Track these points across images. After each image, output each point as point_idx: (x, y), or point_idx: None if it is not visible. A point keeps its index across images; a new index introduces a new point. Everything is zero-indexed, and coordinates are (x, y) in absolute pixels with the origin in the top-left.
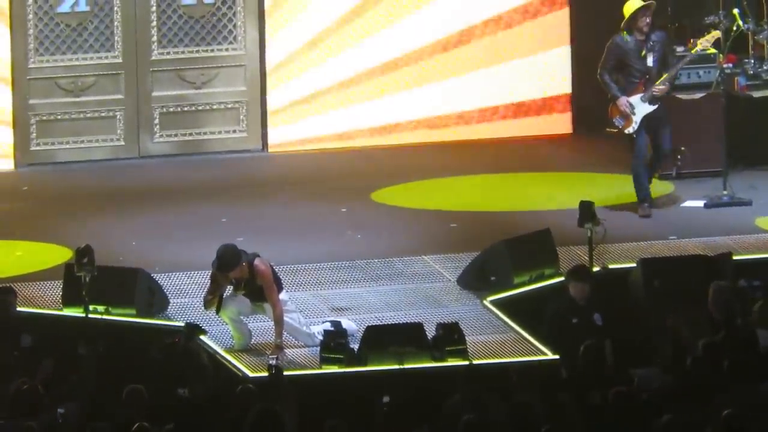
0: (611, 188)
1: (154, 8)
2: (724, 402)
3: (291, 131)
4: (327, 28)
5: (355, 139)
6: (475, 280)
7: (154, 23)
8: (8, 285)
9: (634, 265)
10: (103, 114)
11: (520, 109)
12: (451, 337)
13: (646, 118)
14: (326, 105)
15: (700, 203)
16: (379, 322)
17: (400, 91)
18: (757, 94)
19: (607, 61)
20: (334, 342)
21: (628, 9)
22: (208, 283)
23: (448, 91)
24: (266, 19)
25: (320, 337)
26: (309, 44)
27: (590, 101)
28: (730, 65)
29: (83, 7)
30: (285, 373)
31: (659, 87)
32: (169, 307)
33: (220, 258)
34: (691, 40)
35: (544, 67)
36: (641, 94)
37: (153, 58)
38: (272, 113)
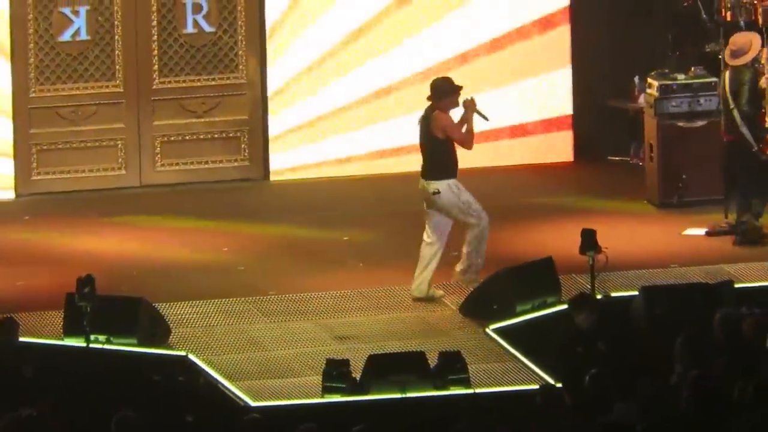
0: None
1: (155, 37)
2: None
3: (293, 160)
4: (328, 54)
5: (357, 166)
6: (478, 309)
7: (155, 52)
8: (10, 316)
9: (636, 293)
10: (104, 143)
11: (519, 132)
12: (453, 365)
13: None
14: (328, 133)
15: (702, 231)
16: (381, 351)
17: (400, 116)
18: None
19: None
20: (336, 371)
21: None
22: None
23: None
24: (267, 47)
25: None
26: (310, 72)
27: (591, 128)
28: None
29: (84, 36)
30: (286, 402)
31: None
32: (171, 336)
33: (451, 84)
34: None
35: (545, 93)
36: None
37: (154, 86)
38: (274, 142)
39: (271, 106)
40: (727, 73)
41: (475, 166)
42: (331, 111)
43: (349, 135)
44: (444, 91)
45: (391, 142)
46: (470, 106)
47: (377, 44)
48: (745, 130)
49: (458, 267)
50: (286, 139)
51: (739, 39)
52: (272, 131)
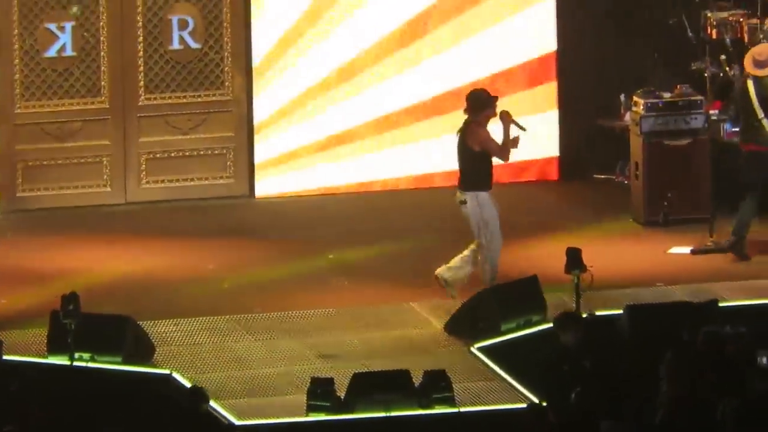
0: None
1: (141, 53)
2: None
3: (278, 177)
4: (315, 74)
5: (343, 184)
6: (463, 327)
7: (141, 68)
8: None
9: (621, 311)
10: (89, 160)
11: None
12: (438, 384)
13: None
14: (313, 150)
15: (687, 249)
16: (366, 370)
17: (387, 139)
18: None
19: None
20: (321, 389)
21: None
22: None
23: (435, 150)
24: (253, 64)
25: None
26: (296, 89)
27: (576, 146)
28: (716, 112)
29: (70, 52)
30: (271, 421)
31: None
32: (155, 354)
33: (487, 96)
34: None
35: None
36: None
37: (140, 103)
38: (259, 159)
39: (258, 125)
40: (750, 84)
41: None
42: (317, 132)
43: (337, 153)
44: (481, 103)
45: (378, 158)
46: (506, 118)
47: (369, 73)
48: None
49: (444, 269)
50: (272, 157)
51: (764, 49)
52: (258, 148)
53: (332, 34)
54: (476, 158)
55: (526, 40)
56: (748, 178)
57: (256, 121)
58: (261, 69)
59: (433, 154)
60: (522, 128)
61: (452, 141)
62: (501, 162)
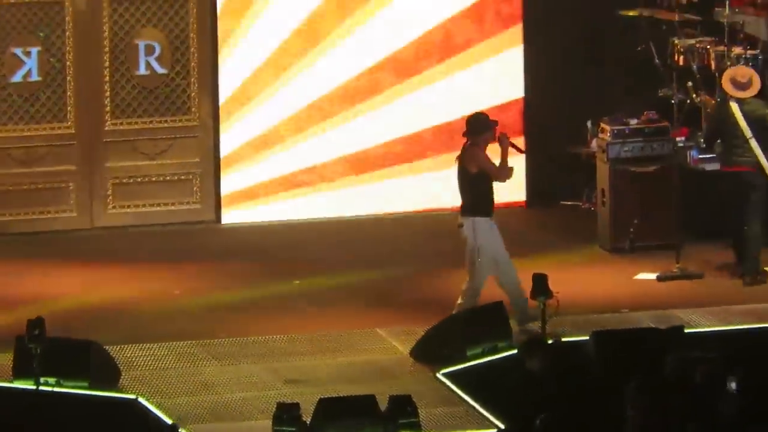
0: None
1: (107, 78)
2: None
3: (245, 203)
4: (283, 102)
5: (311, 210)
6: (429, 353)
7: (108, 93)
8: None
9: (587, 337)
10: (55, 185)
11: None
12: (404, 409)
13: None
14: (280, 177)
15: (653, 276)
16: (332, 395)
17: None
18: (709, 167)
19: None
20: (287, 414)
21: None
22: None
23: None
24: (220, 89)
25: None
26: (264, 116)
27: (543, 173)
28: (683, 138)
29: (35, 77)
30: None
31: None
32: (121, 379)
33: (486, 119)
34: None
35: None
36: None
37: (106, 128)
38: (226, 185)
39: (224, 151)
40: (734, 106)
41: (428, 207)
42: (284, 159)
43: (305, 180)
44: (480, 126)
45: (347, 192)
46: (504, 140)
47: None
48: (763, 160)
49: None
50: (239, 182)
51: (744, 71)
52: (225, 174)
53: (301, 64)
54: (474, 181)
55: (494, 72)
56: (736, 200)
57: (222, 147)
58: (228, 95)
59: (405, 191)
60: (521, 151)
61: (420, 179)
62: (500, 183)
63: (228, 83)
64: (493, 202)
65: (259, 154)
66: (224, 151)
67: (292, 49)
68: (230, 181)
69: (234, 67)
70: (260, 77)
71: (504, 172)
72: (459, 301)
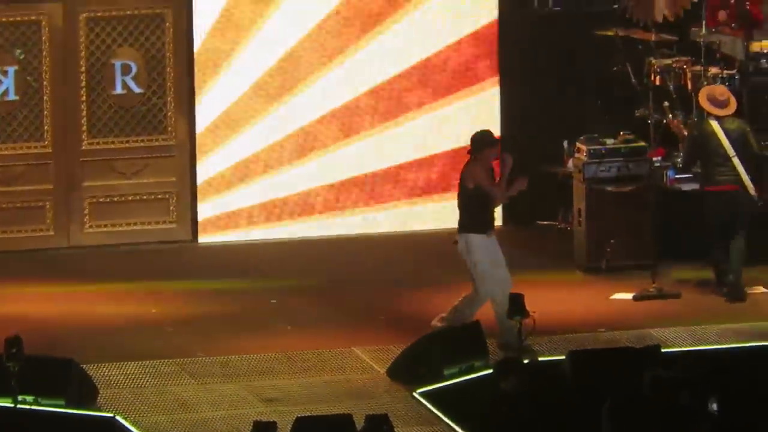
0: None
1: (84, 98)
2: None
3: (222, 222)
4: (260, 117)
5: (287, 230)
6: (405, 372)
7: (84, 113)
8: None
9: (564, 357)
10: (32, 204)
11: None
12: (380, 428)
13: None
14: (258, 196)
15: (629, 296)
16: (308, 414)
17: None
18: (686, 187)
19: None
20: None
21: None
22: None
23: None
24: (196, 108)
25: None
26: (240, 133)
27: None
28: (660, 158)
29: (12, 96)
30: None
31: None
32: (99, 397)
33: (488, 137)
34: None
35: None
36: None
37: (83, 147)
38: (202, 203)
39: (201, 170)
40: (715, 124)
41: (405, 230)
42: (260, 179)
43: (281, 201)
44: (481, 143)
45: (321, 205)
46: (506, 159)
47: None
48: (746, 177)
49: (440, 316)
50: (215, 201)
51: (721, 89)
52: (201, 193)
53: (274, 77)
54: (470, 197)
55: (468, 86)
56: (719, 219)
57: (199, 167)
58: (204, 113)
59: (379, 217)
60: (521, 187)
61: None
62: (496, 200)
63: (207, 104)
64: (490, 220)
65: (235, 174)
66: (200, 170)
67: (275, 75)
68: (206, 201)
69: (210, 83)
70: (242, 100)
71: (500, 189)
72: (456, 303)
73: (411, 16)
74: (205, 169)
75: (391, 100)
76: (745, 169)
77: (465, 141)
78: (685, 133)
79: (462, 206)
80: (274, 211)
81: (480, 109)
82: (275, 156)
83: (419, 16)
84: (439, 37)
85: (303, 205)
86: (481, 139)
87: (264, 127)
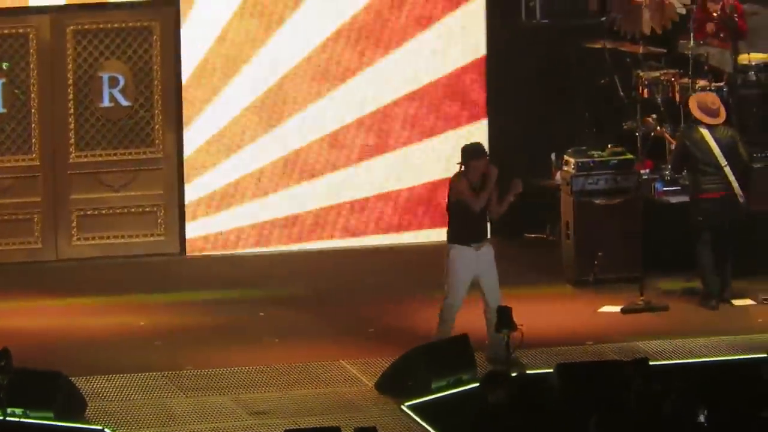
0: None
1: (71, 111)
2: None
3: (210, 235)
4: (245, 130)
5: (275, 244)
6: (393, 385)
7: (72, 126)
8: None
9: (551, 370)
10: (20, 216)
11: (435, 208)
12: None
13: None
14: (246, 208)
15: (617, 308)
16: (297, 427)
17: (320, 195)
18: (674, 200)
19: None
20: None
21: None
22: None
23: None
24: (184, 121)
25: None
26: (227, 147)
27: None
28: (648, 171)
29: (0, 109)
30: None
31: None
32: (87, 410)
33: (475, 148)
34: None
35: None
36: None
37: (71, 160)
38: (190, 217)
39: (189, 183)
40: (706, 132)
41: (393, 243)
42: (248, 191)
43: (269, 213)
44: (467, 155)
45: (311, 217)
46: (493, 173)
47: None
48: (736, 185)
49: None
50: (203, 215)
51: (712, 97)
52: (189, 206)
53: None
54: (453, 209)
55: (455, 99)
56: (707, 225)
57: (186, 179)
58: (191, 125)
59: (364, 214)
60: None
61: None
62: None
63: (191, 112)
64: (478, 232)
65: (222, 181)
66: (188, 182)
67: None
68: (195, 213)
69: (198, 96)
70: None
71: (479, 200)
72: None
73: (400, 35)
74: (194, 188)
75: (381, 120)
76: (735, 178)
77: (455, 157)
78: (673, 144)
79: (448, 217)
80: (263, 232)
81: (468, 122)
82: (266, 174)
83: (406, 31)
84: (428, 53)
85: (292, 224)
86: (469, 150)
87: (255, 147)
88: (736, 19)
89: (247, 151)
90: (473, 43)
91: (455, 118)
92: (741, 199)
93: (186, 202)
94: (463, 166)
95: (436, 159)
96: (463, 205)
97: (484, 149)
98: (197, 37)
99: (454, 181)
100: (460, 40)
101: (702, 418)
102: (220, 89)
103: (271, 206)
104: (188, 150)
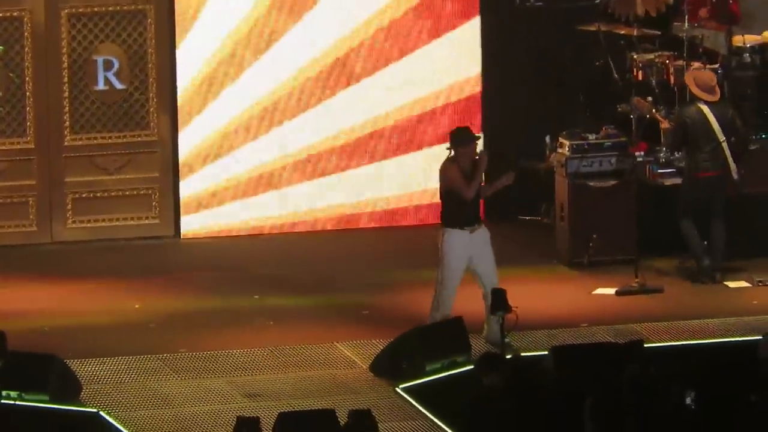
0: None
1: (66, 94)
2: None
3: (204, 217)
4: (241, 113)
5: (270, 226)
6: (388, 368)
7: (67, 109)
8: None
9: (546, 352)
10: (15, 199)
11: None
12: (363, 424)
13: None
14: (240, 192)
15: (612, 291)
16: (291, 409)
17: (314, 177)
18: (668, 182)
19: None
20: (247, 428)
21: None
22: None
23: (362, 179)
24: (179, 104)
25: None
26: (222, 130)
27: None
28: (642, 153)
29: None
30: None
31: None
32: (82, 393)
33: (464, 134)
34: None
35: None
36: None
37: (65, 143)
38: (185, 199)
39: (184, 166)
40: (706, 108)
41: (384, 224)
42: (244, 172)
43: (264, 196)
44: (456, 140)
45: (305, 200)
46: (482, 158)
47: (293, 105)
48: (732, 162)
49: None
50: (198, 197)
51: (710, 75)
52: (184, 188)
53: (255, 74)
54: (444, 194)
55: (451, 82)
56: (698, 197)
57: (181, 162)
58: (186, 109)
59: (359, 192)
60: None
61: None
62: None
63: (185, 96)
64: (471, 215)
65: (216, 163)
66: (183, 165)
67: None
68: (189, 196)
69: (192, 79)
70: (216, 86)
71: (467, 190)
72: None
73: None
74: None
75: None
76: (732, 153)
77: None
78: (667, 125)
79: (441, 201)
80: (258, 199)
81: (462, 105)
82: (253, 144)
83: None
84: (420, 37)
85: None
86: (457, 136)
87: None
88: (730, 2)
89: (243, 137)
90: (467, 26)
91: (446, 106)
92: (735, 176)
93: (181, 185)
94: (452, 151)
95: (429, 157)
96: (456, 192)
97: (473, 134)
98: (191, 20)
99: (444, 168)
100: (453, 22)
101: (689, 401)
102: (216, 75)
103: (268, 195)
104: (183, 133)
